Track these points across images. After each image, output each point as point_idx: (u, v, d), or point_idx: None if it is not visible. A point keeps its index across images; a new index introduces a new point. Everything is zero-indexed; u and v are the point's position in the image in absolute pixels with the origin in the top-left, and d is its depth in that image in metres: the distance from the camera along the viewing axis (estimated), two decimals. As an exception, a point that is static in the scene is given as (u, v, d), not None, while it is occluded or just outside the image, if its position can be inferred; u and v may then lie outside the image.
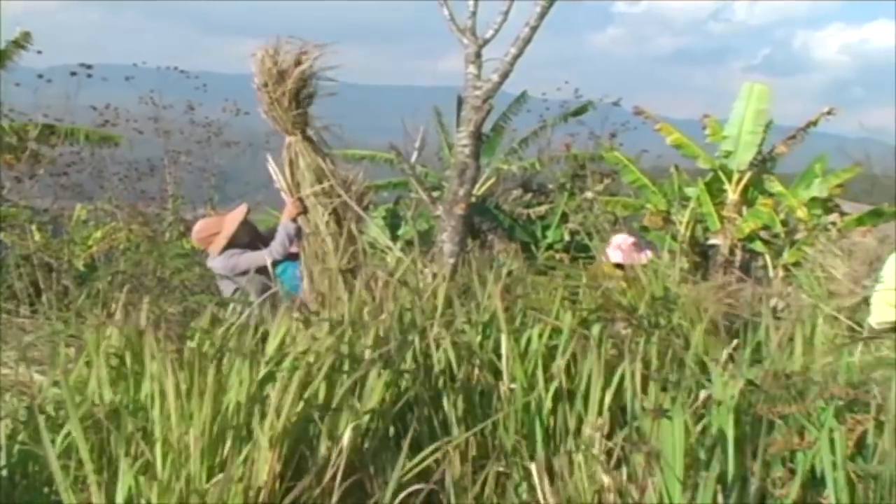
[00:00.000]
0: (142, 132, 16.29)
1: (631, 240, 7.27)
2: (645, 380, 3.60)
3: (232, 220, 6.85)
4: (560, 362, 3.80)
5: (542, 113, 15.56)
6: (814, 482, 3.14)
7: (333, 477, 3.07)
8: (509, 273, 5.44)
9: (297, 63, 6.34)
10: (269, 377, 3.40)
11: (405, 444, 3.18)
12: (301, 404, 3.28)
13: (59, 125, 13.65)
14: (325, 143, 6.65)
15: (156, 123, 16.45)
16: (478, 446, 3.59)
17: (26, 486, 3.23)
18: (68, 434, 3.20)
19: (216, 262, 6.80)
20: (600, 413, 3.55)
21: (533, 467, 3.15)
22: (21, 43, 13.18)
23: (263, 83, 6.34)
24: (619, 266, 6.46)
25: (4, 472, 3.19)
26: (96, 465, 3.05)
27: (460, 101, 14.33)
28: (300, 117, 6.42)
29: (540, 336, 3.96)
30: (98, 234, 12.24)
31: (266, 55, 6.33)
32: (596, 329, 4.08)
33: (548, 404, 3.69)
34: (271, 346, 3.61)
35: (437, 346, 3.90)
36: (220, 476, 2.98)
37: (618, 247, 6.99)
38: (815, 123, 12.21)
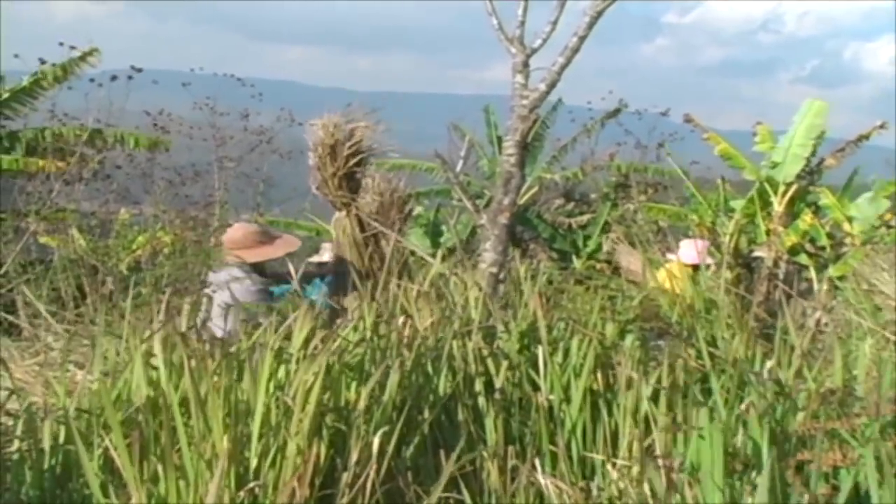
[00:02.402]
0: (204, 139, 16.44)
1: (705, 243, 7.40)
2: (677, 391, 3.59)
3: (290, 243, 6.58)
4: (589, 370, 3.79)
5: (587, 122, 15.59)
6: (858, 500, 3.10)
7: (366, 483, 3.08)
8: (549, 282, 5.43)
9: (349, 138, 6.48)
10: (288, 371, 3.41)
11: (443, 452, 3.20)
12: (327, 408, 3.30)
13: (109, 129, 13.83)
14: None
15: (216, 131, 16.60)
16: (513, 454, 3.58)
17: (72, 488, 3.27)
18: (106, 435, 3.24)
19: (237, 271, 6.13)
20: (636, 424, 3.52)
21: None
22: (87, 56, 13.38)
23: (317, 161, 6.47)
24: (694, 267, 6.62)
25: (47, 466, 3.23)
26: (136, 469, 3.07)
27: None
28: (348, 195, 6.56)
29: (579, 347, 3.95)
30: (141, 238, 12.37)
31: (322, 128, 6.45)
32: (629, 339, 4.06)
33: (585, 415, 3.68)
34: (296, 343, 3.60)
35: (477, 355, 3.90)
36: (253, 483, 3.01)
37: (700, 253, 7.09)
38: (867, 137, 12.11)
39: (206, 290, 6.07)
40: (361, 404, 3.25)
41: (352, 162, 6.53)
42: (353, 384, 3.53)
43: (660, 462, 3.02)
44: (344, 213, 6.63)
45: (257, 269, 6.22)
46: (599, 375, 3.79)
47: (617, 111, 15.37)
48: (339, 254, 6.73)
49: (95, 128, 13.43)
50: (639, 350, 3.96)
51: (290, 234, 7.36)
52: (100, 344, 3.98)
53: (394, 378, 3.39)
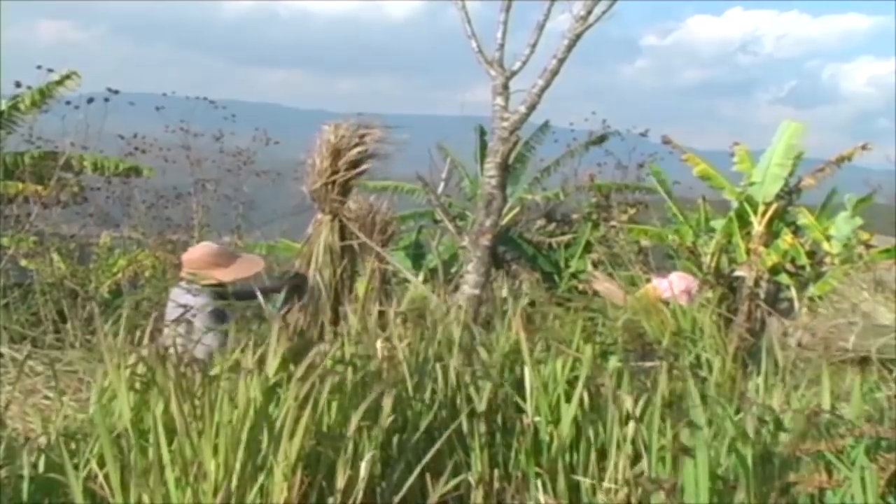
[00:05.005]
0: (174, 161, 16.33)
1: (695, 284, 7.21)
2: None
3: (248, 267, 6.31)
4: (580, 393, 3.76)
5: (570, 143, 15.60)
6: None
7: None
8: (532, 303, 5.43)
9: (357, 145, 6.49)
10: (273, 396, 3.38)
11: (427, 475, 3.18)
12: (315, 432, 3.27)
13: (87, 154, 13.77)
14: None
15: (187, 152, 16.50)
16: (499, 478, 3.56)
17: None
18: (87, 462, 3.20)
19: (201, 300, 5.85)
20: (621, 446, 3.51)
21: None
22: (65, 80, 13.34)
23: (325, 165, 6.47)
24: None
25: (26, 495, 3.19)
26: (118, 493, 3.04)
27: (483, 132, 14.49)
28: (338, 202, 6.56)
29: (563, 368, 3.93)
30: (122, 261, 12.29)
31: (332, 130, 6.46)
32: (614, 362, 4.05)
33: (570, 436, 3.66)
34: (271, 367, 3.56)
35: (459, 377, 3.88)
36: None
37: (687, 290, 6.89)
38: (849, 158, 12.19)
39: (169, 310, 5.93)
40: (351, 430, 3.22)
41: (355, 169, 6.52)
42: (335, 406, 3.51)
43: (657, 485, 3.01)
44: (329, 217, 6.59)
45: (215, 289, 6.05)
46: (585, 397, 3.78)
47: (603, 137, 15.39)
48: (303, 262, 6.64)
49: (73, 153, 13.37)
50: (624, 371, 3.95)
51: (252, 256, 7.15)
52: (88, 371, 3.95)
53: (387, 403, 3.35)
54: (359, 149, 6.49)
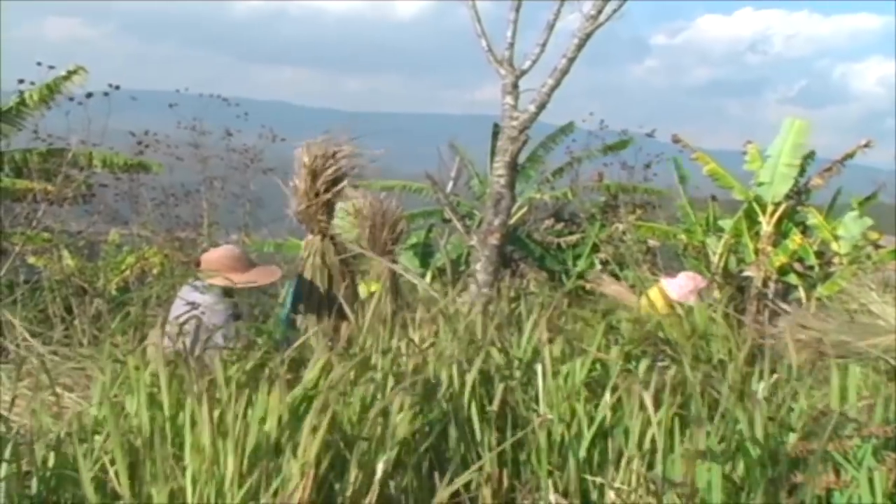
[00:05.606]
0: (181, 159, 16.30)
1: (704, 283, 7.17)
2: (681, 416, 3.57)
3: (270, 274, 6.35)
4: (607, 397, 3.74)
5: (569, 144, 15.56)
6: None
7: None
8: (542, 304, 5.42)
9: (331, 163, 6.48)
10: (304, 406, 3.40)
11: (437, 475, 3.18)
12: (332, 433, 3.27)
13: (96, 151, 13.75)
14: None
15: (196, 149, 16.48)
16: (510, 477, 3.56)
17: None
18: (98, 460, 3.21)
19: (210, 298, 5.95)
20: (639, 447, 3.49)
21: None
22: (70, 75, 13.30)
23: (305, 187, 6.47)
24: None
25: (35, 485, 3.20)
26: (131, 492, 3.04)
27: (496, 130, 14.46)
28: (325, 222, 6.56)
29: (582, 368, 3.92)
30: (130, 258, 12.29)
31: (305, 152, 6.45)
32: (643, 365, 4.04)
33: (586, 437, 3.64)
34: (310, 376, 3.59)
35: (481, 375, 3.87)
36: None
37: (696, 290, 6.85)
38: (851, 156, 12.15)
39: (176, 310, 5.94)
40: (376, 430, 3.23)
41: (333, 188, 6.51)
42: (351, 406, 3.51)
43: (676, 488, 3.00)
44: (319, 237, 6.57)
45: (226, 291, 6.06)
46: (609, 397, 3.75)
47: (625, 143, 15.35)
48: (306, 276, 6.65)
49: (82, 150, 13.34)
50: (647, 373, 3.93)
51: (271, 266, 7.12)
52: (101, 367, 3.95)
53: (405, 403, 3.35)
54: (333, 167, 6.48)
